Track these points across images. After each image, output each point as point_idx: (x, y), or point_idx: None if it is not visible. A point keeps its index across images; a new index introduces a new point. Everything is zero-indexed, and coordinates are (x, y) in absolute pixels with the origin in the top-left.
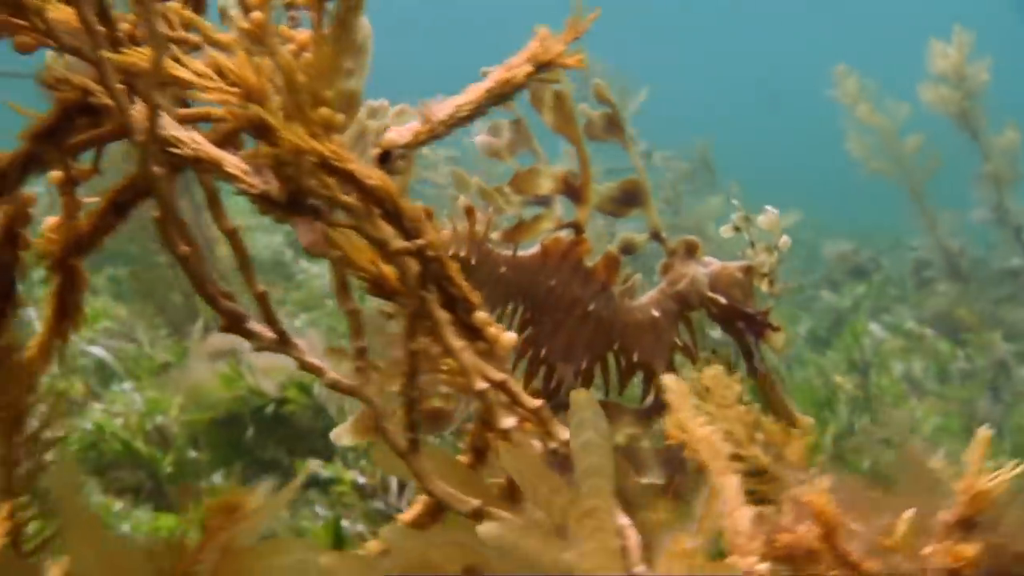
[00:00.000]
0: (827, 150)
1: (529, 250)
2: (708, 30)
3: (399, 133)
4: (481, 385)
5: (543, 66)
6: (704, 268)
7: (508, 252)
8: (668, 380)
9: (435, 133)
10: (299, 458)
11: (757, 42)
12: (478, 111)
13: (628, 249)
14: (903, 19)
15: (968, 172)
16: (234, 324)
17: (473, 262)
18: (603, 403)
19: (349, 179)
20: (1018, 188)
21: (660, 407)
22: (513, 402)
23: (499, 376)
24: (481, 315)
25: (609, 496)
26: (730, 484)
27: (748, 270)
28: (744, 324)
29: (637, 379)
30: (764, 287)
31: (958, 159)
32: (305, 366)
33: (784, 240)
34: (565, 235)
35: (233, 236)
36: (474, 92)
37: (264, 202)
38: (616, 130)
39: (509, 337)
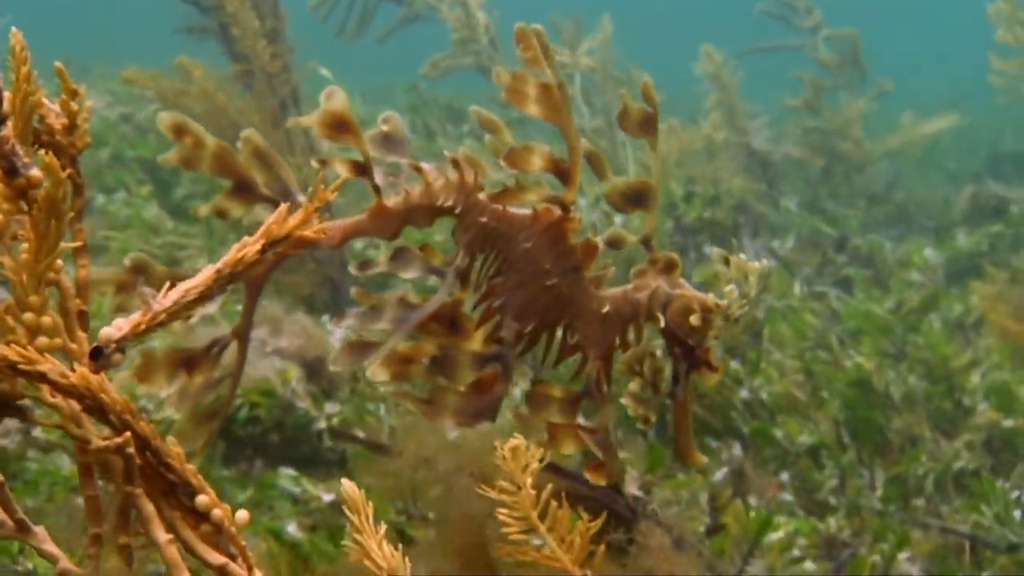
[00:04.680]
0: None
1: (521, 210)
2: None
3: (117, 326)
4: None
5: (278, 241)
6: (670, 289)
7: (498, 206)
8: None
9: (157, 321)
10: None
11: None
12: (207, 294)
13: (615, 244)
14: None
15: None
16: None
17: (458, 210)
18: (532, 391)
19: (42, 380)
20: None
21: (589, 394)
22: None
23: (218, 560)
24: (203, 499)
25: None
26: None
27: (709, 307)
28: (682, 352)
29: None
30: (718, 323)
31: None
32: (42, 553)
33: (749, 291)
34: (556, 208)
35: None
36: (204, 275)
37: None
38: (650, 130)
39: (241, 516)
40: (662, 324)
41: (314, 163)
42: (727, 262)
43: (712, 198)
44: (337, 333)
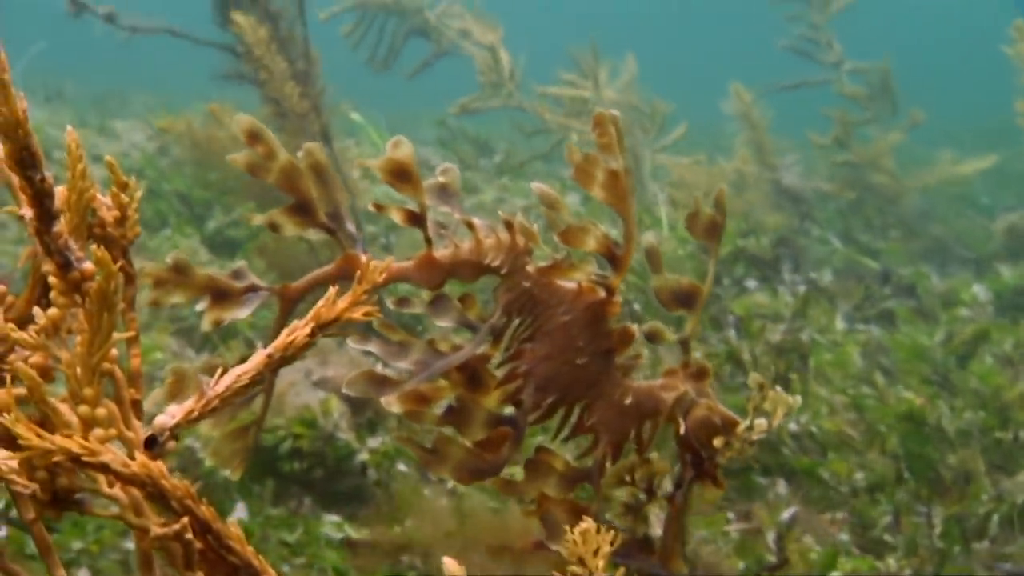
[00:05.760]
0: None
1: (565, 283)
2: None
3: (171, 414)
4: None
5: (327, 324)
6: (697, 396)
7: (543, 276)
8: None
9: (211, 408)
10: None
11: None
12: (258, 379)
13: (652, 337)
14: None
15: None
16: None
17: (504, 271)
18: (535, 457)
19: (104, 471)
20: None
21: (588, 476)
22: None
23: None
24: None
25: None
26: None
27: (732, 427)
28: (692, 460)
29: None
30: (736, 445)
31: None
32: None
33: (773, 424)
34: (601, 289)
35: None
36: (255, 360)
37: (33, 501)
38: (715, 237)
39: None
40: (681, 430)
41: (371, 208)
42: (762, 388)
43: (745, 231)
44: (353, 350)
